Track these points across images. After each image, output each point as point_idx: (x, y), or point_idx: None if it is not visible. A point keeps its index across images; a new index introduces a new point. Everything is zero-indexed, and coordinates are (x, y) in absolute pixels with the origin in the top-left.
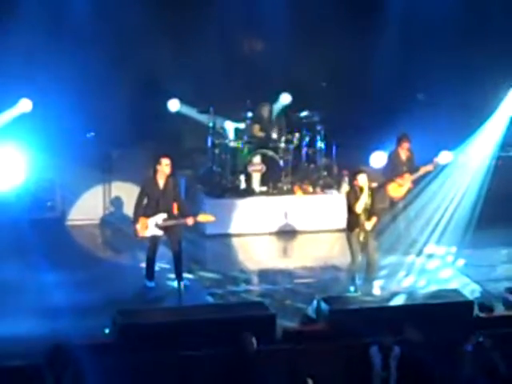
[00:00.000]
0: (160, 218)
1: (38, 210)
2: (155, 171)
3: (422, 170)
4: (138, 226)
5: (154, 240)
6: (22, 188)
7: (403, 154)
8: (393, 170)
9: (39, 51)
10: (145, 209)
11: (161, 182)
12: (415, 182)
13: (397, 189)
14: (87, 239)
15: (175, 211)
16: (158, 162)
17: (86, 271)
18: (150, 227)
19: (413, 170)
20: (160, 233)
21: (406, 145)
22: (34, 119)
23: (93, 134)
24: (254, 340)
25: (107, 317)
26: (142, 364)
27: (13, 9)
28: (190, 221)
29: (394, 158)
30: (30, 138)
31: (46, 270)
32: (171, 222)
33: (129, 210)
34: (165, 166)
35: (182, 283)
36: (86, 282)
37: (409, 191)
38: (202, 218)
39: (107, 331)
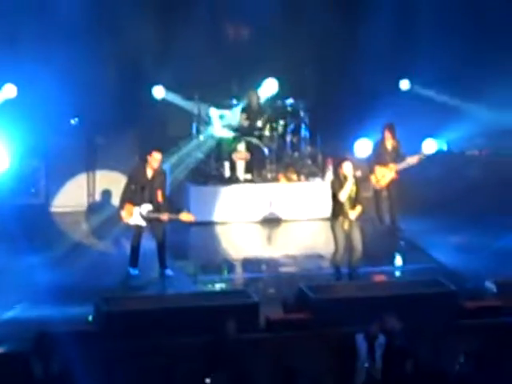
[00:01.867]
0: (145, 208)
1: (22, 196)
2: (145, 161)
3: (408, 161)
4: (123, 213)
5: (139, 229)
6: (6, 174)
7: (388, 143)
8: (377, 159)
9: (24, 37)
10: (131, 196)
11: (149, 172)
12: (400, 173)
13: (380, 178)
14: (71, 226)
15: (160, 201)
16: (149, 153)
17: (69, 258)
18: (135, 216)
19: (398, 159)
20: (143, 223)
21: (391, 134)
22: (18, 105)
23: (76, 119)
24: (234, 327)
25: (91, 304)
26: (126, 351)
27: None
28: (164, 216)
29: (379, 147)
30: (14, 123)
31: (29, 256)
32: (153, 216)
33: (113, 197)
34: (154, 160)
35: (166, 271)
36: (70, 268)
37: (393, 181)
38: (183, 216)
39: (91, 318)
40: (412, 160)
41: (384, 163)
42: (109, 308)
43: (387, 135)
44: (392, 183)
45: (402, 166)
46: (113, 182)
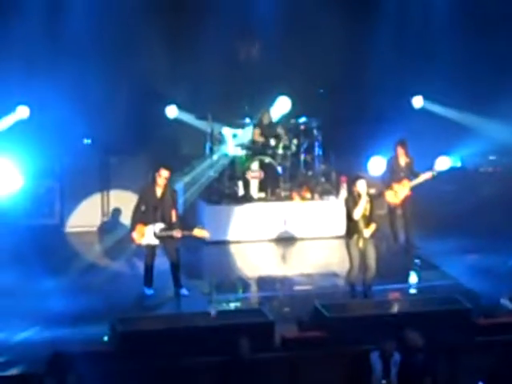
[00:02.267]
0: (158, 227)
1: (36, 217)
2: (154, 180)
3: (421, 178)
4: (135, 234)
5: (152, 248)
6: (21, 194)
7: (402, 159)
8: (391, 176)
9: (38, 58)
10: (142, 216)
11: (159, 190)
12: (414, 189)
13: (395, 195)
14: (85, 246)
15: (173, 220)
16: (157, 171)
17: (84, 278)
18: (147, 235)
19: (412, 175)
20: (156, 242)
21: (404, 150)
22: (32, 126)
23: (89, 141)
24: (248, 345)
25: (106, 324)
26: (141, 372)
27: (13, 16)
28: (177, 233)
29: (392, 164)
30: (28, 144)
31: (44, 277)
32: (166, 234)
33: (127, 217)
34: (163, 178)
35: (181, 291)
36: (84, 289)
37: (407, 198)
38: (197, 232)
39: (106, 339)
40: (425, 176)
41: (398, 180)
42: (124, 328)
43: (400, 152)
44: (406, 200)
45: (416, 182)
46: (126, 201)
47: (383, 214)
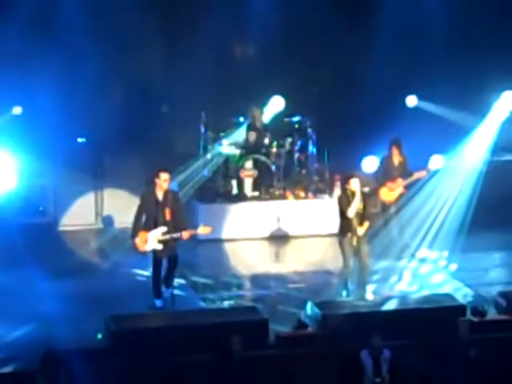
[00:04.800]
0: (159, 231)
1: (30, 215)
2: (154, 184)
3: (415, 176)
4: (138, 241)
5: (158, 253)
6: (14, 193)
7: (396, 158)
8: (385, 175)
9: (31, 57)
10: (145, 223)
11: (159, 194)
12: (407, 188)
13: (388, 193)
14: (79, 245)
15: (174, 220)
16: (156, 175)
17: (78, 277)
18: (150, 241)
19: (405, 174)
20: (160, 247)
21: (398, 150)
22: (25, 124)
23: (84, 139)
24: (241, 343)
25: (99, 322)
26: (135, 369)
27: (4, 14)
28: (185, 234)
29: (386, 162)
30: (21, 143)
31: (37, 275)
32: (169, 237)
33: (121, 215)
34: (163, 182)
35: (171, 291)
36: (78, 287)
37: (400, 196)
38: (201, 230)
39: (100, 336)
40: (419, 175)
41: (391, 179)
42: (117, 326)
43: (394, 151)
44: (400, 198)
45: (410, 180)
46: (120, 200)
47: (377, 212)
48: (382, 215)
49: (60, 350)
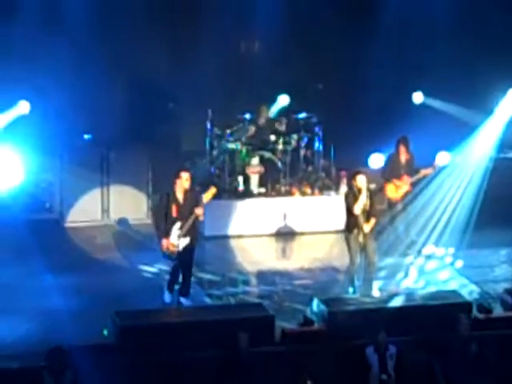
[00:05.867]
0: (176, 228)
1: (36, 211)
2: (174, 185)
3: (422, 173)
4: (167, 246)
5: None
6: (20, 189)
7: (403, 156)
8: (391, 172)
9: (37, 53)
10: (166, 227)
11: (180, 195)
12: (414, 185)
13: (395, 190)
14: (86, 241)
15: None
16: (177, 175)
17: (84, 273)
18: (178, 243)
19: (412, 172)
20: (187, 240)
21: (405, 147)
22: (32, 121)
23: (90, 136)
24: (248, 340)
25: (106, 318)
26: (140, 365)
27: (11, 10)
28: (198, 210)
29: (392, 160)
30: (28, 139)
31: (44, 271)
32: (188, 224)
33: (127, 212)
34: (185, 181)
35: (186, 301)
36: (85, 283)
37: (407, 193)
38: (206, 197)
39: (106, 332)
40: (426, 172)
41: (398, 176)
42: (124, 322)
43: (401, 149)
44: (406, 196)
45: (417, 177)
46: (127, 196)
47: (383, 209)
48: (388, 212)
49: (66, 346)
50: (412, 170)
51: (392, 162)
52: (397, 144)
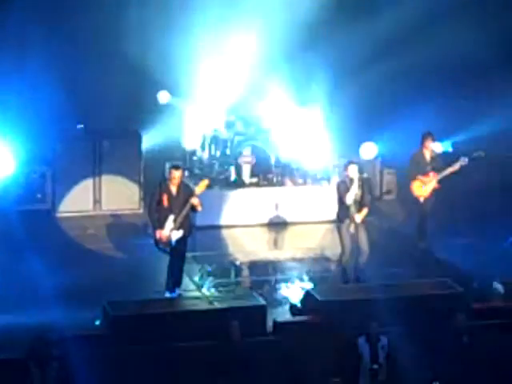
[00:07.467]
0: (170, 221)
1: (28, 202)
2: (168, 179)
3: (449, 170)
4: (161, 238)
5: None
6: (12, 179)
7: (427, 153)
8: (417, 170)
9: (30, 42)
10: (159, 216)
11: (173, 188)
12: (441, 182)
13: (421, 187)
14: (77, 231)
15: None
16: (169, 172)
17: (76, 263)
18: (172, 234)
19: (439, 168)
20: (181, 232)
21: (430, 144)
22: (23, 110)
23: (82, 126)
24: (240, 329)
25: (98, 308)
26: (132, 355)
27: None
28: (194, 200)
29: (417, 157)
30: (19, 129)
31: (35, 261)
32: (182, 215)
33: (119, 202)
34: (173, 179)
35: (177, 290)
36: (76, 273)
37: (435, 190)
38: (199, 189)
39: (98, 322)
40: (453, 168)
41: (425, 173)
42: (116, 312)
43: (427, 145)
44: (434, 193)
45: (444, 174)
46: (118, 186)
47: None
48: (416, 214)
49: (50, 336)
50: (439, 166)
51: (417, 159)
52: (422, 141)
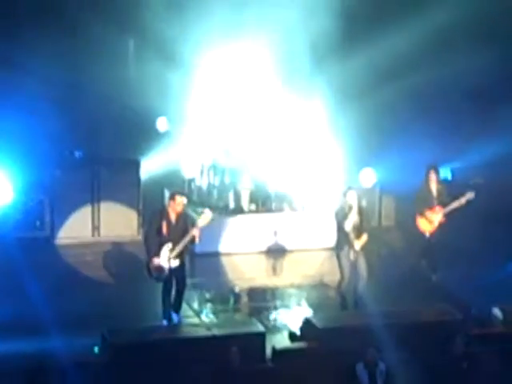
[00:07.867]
0: (166, 249)
1: (27, 229)
2: (168, 205)
3: (455, 205)
4: (155, 267)
5: (172, 273)
6: (11, 207)
7: (433, 185)
8: (423, 204)
9: (28, 68)
10: (158, 247)
11: (173, 216)
12: (447, 216)
13: (427, 224)
14: (76, 259)
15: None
16: (172, 197)
17: (74, 290)
18: (170, 263)
19: (445, 202)
20: (177, 262)
21: (435, 176)
22: (22, 138)
23: (80, 153)
24: (239, 356)
25: (96, 336)
26: (132, 383)
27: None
28: (195, 231)
29: (423, 191)
30: (17, 157)
31: (33, 289)
32: (180, 245)
33: (117, 229)
34: (178, 205)
35: (177, 316)
36: (75, 301)
37: (442, 224)
38: (201, 222)
39: (96, 350)
40: (460, 202)
41: (431, 207)
42: (115, 339)
43: (432, 178)
44: (440, 227)
45: (451, 208)
46: (117, 213)
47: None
48: (422, 247)
49: (49, 364)
50: (445, 199)
51: (423, 193)
52: (427, 173)
